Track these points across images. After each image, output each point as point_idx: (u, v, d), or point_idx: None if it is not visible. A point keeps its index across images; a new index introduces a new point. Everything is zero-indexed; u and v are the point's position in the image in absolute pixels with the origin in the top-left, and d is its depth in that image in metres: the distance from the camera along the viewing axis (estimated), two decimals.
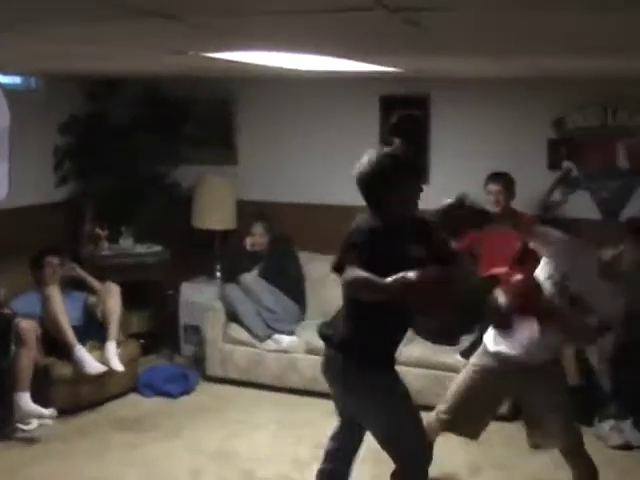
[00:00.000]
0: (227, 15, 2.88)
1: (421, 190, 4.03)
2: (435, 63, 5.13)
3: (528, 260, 5.49)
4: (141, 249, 7.52)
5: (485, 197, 6.43)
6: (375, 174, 3.91)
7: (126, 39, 3.70)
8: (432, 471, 4.92)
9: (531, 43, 3.69)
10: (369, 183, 3.94)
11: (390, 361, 4.11)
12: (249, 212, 7.35)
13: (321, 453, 5.53)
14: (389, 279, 3.58)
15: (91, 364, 6.17)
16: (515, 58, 4.66)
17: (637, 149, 6.68)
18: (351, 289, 3.81)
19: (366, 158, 3.97)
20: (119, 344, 6.50)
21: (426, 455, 4.20)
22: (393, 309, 3.84)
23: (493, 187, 6.41)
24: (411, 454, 4.11)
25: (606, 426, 5.64)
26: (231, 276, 7.10)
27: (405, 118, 7.26)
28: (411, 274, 3.57)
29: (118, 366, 6.31)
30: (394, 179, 3.91)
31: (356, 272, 3.67)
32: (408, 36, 3.25)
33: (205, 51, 4.24)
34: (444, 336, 6.42)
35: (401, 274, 3.57)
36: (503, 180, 6.41)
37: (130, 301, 6.89)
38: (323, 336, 4.22)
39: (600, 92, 6.67)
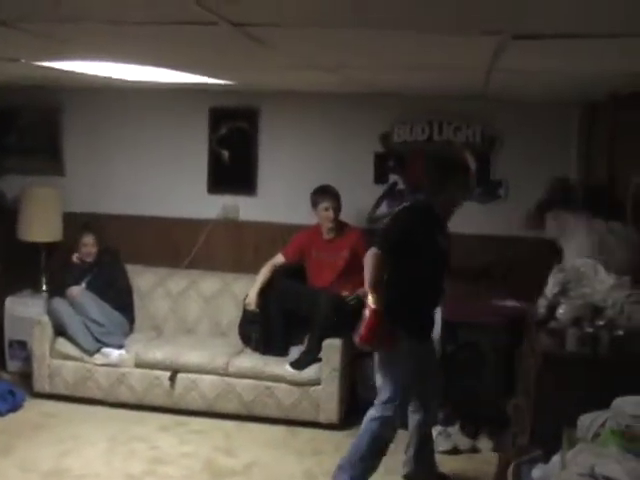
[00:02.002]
0: (63, 23, 2.85)
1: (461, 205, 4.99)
2: (269, 76, 5.18)
3: (355, 271, 5.64)
4: None
5: (320, 214, 6.50)
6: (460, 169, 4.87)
7: None
8: None
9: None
10: (445, 172, 4.89)
11: (420, 330, 4.94)
12: (76, 224, 7.18)
13: (154, 468, 5.51)
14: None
15: None
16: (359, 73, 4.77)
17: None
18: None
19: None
20: None
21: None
22: (425, 283, 4.83)
23: (329, 203, 6.48)
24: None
25: (435, 432, 5.80)
26: (58, 289, 6.92)
27: (234, 130, 7.29)
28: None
29: None
30: (461, 183, 4.87)
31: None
32: (249, 50, 3.29)
33: (38, 60, 4.16)
34: (271, 346, 6.49)
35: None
36: (333, 194, 6.51)
37: None
38: None
39: (426, 108, 6.88)
